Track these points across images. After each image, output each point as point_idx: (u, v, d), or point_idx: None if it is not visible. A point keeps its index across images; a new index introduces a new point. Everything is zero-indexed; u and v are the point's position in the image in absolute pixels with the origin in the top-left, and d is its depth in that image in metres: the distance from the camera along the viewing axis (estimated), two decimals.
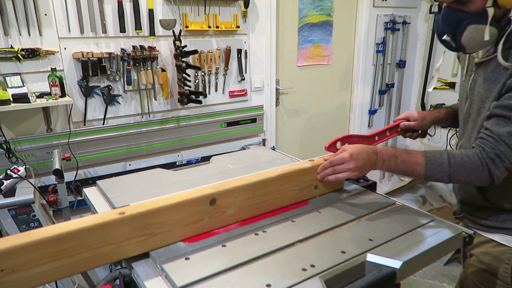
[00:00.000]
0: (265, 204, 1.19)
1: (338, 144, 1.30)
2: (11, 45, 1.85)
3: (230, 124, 2.64)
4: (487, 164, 1.09)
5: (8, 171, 1.76)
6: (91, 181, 2.18)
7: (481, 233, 1.30)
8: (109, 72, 2.12)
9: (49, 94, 1.89)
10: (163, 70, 2.26)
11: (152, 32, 2.18)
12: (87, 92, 2.09)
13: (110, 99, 2.16)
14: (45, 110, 2.02)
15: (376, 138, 1.39)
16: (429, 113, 1.50)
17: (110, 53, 2.08)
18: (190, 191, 1.06)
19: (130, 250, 0.95)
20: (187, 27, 2.29)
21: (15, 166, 1.81)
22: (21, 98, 1.80)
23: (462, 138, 1.34)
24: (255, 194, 1.15)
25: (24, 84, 1.88)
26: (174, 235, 1.02)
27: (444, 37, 1.17)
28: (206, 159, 2.30)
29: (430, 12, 3.38)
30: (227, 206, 1.10)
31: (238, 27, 2.48)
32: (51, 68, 1.90)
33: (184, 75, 2.24)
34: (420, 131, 1.51)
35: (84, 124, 2.14)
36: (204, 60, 2.41)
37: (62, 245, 0.85)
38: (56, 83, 1.87)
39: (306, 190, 1.27)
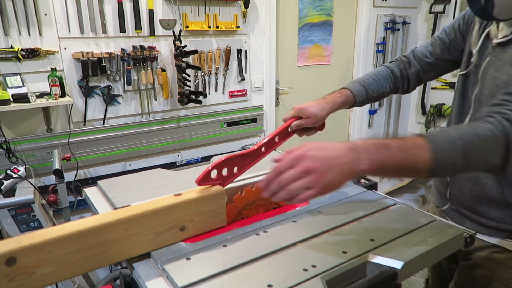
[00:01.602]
0: (103, 257, 0.89)
1: (214, 173, 1.02)
2: (11, 45, 1.85)
3: (230, 124, 2.63)
4: (505, 128, 0.81)
5: (8, 171, 1.76)
6: (91, 181, 2.18)
7: (480, 236, 1.19)
8: (109, 72, 2.12)
9: (49, 94, 1.89)
10: (163, 70, 2.26)
11: (152, 32, 2.18)
12: (87, 92, 2.09)
13: (110, 99, 2.16)
14: (45, 110, 2.02)
15: (263, 149, 1.14)
16: (323, 105, 1.26)
17: (110, 53, 2.08)
18: None
19: None
20: (187, 27, 2.29)
21: (15, 166, 1.81)
22: (21, 98, 1.80)
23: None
24: (84, 246, 0.86)
25: (24, 84, 1.88)
26: None
27: None
28: (206, 159, 2.31)
29: (430, 12, 3.38)
30: (37, 265, 0.81)
31: (238, 27, 2.48)
32: (51, 68, 1.89)
33: (184, 75, 2.24)
34: (316, 127, 1.30)
35: (84, 124, 2.14)
36: (204, 60, 2.41)
37: None
38: (56, 83, 1.87)
39: (168, 234, 0.99)
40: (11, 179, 1.73)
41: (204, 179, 1.01)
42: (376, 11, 3.21)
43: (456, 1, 3.20)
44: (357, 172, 0.79)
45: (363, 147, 0.79)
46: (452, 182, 1.24)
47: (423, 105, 3.61)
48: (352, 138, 3.46)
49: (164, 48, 2.27)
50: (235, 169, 1.08)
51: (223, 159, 1.03)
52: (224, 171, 1.05)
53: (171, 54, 2.28)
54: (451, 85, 3.38)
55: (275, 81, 2.82)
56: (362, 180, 1.43)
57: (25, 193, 1.65)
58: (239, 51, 2.55)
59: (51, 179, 2.04)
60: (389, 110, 3.60)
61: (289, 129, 1.24)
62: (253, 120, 2.74)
